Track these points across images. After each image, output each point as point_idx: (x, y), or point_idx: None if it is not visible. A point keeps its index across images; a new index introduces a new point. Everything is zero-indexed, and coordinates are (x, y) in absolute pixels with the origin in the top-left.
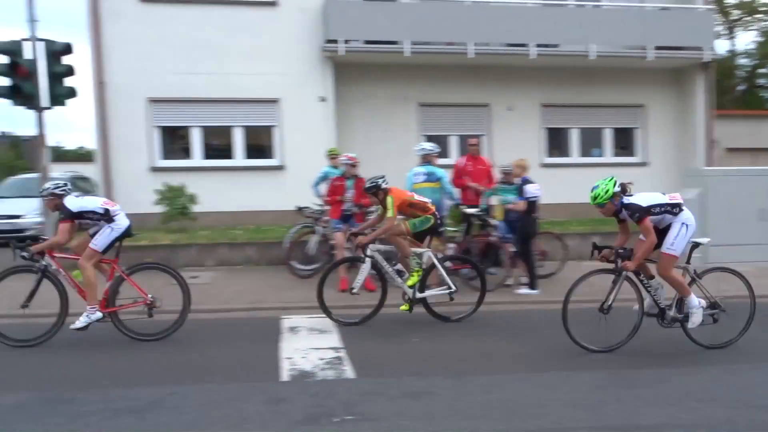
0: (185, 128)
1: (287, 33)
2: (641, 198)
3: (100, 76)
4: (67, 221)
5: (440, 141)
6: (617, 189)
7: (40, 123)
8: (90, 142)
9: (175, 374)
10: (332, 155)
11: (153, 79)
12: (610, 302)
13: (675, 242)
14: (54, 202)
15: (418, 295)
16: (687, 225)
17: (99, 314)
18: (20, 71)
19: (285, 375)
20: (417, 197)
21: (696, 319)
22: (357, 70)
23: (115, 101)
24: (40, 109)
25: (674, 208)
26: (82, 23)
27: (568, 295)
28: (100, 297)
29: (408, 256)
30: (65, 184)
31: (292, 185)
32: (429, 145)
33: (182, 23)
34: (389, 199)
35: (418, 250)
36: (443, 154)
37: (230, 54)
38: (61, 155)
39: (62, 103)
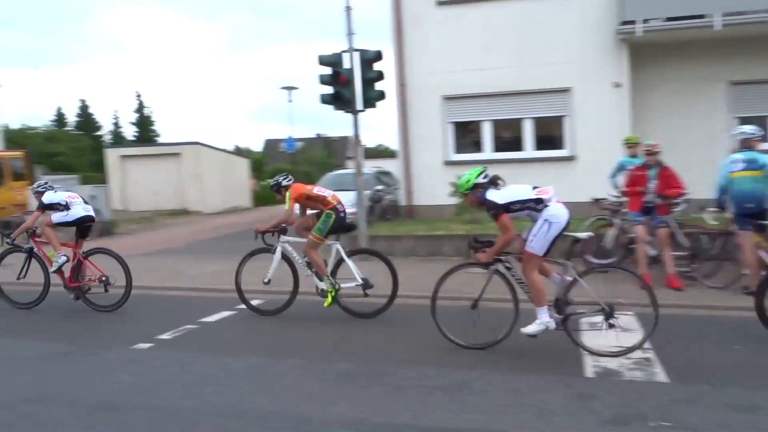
0: (476, 122)
1: (578, 20)
2: (504, 193)
3: (402, 78)
4: (39, 210)
5: (758, 123)
6: (481, 180)
7: (356, 124)
8: (387, 140)
9: (481, 359)
10: (630, 144)
11: (447, 78)
12: (477, 297)
13: (534, 240)
14: (39, 196)
15: (322, 286)
16: (550, 222)
17: (64, 257)
18: (341, 80)
19: (589, 371)
20: (316, 190)
21: (531, 329)
22: (654, 52)
23: (414, 101)
24: (355, 112)
25: (538, 204)
26: (383, 29)
27: (436, 289)
28: (67, 274)
29: (324, 275)
30: (46, 183)
31: (582, 176)
32: (749, 128)
33: (475, 22)
34: (287, 194)
35: (327, 242)
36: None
37: (520, 47)
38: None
39: (373, 106)
